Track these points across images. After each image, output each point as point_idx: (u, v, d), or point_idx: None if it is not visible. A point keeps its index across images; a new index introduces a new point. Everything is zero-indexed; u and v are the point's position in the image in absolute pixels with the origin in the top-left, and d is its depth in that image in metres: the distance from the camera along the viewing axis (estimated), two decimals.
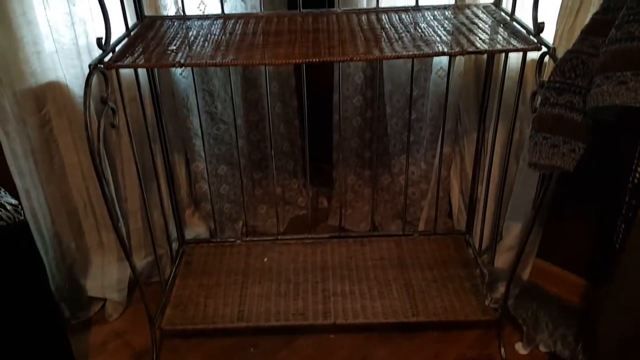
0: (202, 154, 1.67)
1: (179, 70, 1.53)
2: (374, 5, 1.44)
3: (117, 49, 1.18)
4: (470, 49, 1.10)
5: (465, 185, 1.72)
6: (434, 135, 1.67)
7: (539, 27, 1.12)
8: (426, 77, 1.62)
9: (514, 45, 1.12)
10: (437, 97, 1.59)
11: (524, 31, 1.18)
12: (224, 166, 1.79)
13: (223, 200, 1.83)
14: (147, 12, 1.40)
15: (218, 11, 1.42)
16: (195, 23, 1.36)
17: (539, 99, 1.04)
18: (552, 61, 1.08)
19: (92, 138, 1.07)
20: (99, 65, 1.09)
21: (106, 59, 1.12)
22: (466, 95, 1.56)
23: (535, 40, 1.12)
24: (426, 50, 1.11)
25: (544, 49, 1.10)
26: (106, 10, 1.14)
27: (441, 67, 1.54)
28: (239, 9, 1.62)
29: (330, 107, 1.75)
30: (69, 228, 1.52)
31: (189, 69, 1.52)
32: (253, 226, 1.94)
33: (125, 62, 1.12)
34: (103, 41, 1.13)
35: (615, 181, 1.14)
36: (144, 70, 1.42)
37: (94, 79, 1.08)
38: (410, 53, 1.11)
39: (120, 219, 1.52)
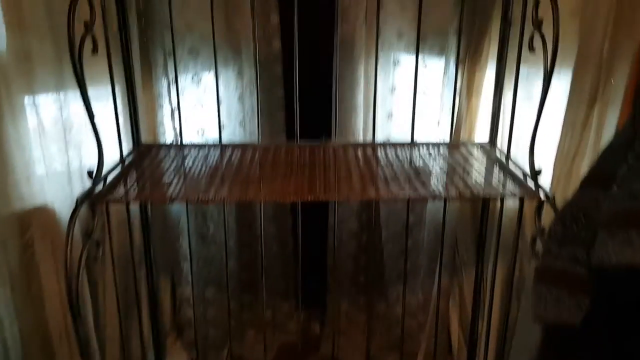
0: (190, 278, 1.60)
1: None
2: (370, 139, 1.46)
3: (109, 178, 1.16)
4: (467, 193, 1.09)
5: (465, 319, 1.64)
6: (432, 265, 1.62)
7: (536, 172, 1.11)
8: (422, 204, 1.60)
9: (511, 191, 1.11)
10: (433, 225, 1.56)
11: (520, 175, 1.18)
12: (211, 288, 1.72)
13: (208, 326, 1.73)
14: (145, 138, 1.41)
15: (217, 136, 1.43)
16: (192, 152, 1.36)
17: (540, 243, 1.01)
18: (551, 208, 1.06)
19: (70, 275, 1.01)
20: (87, 199, 1.06)
21: (96, 191, 1.10)
22: (463, 226, 1.53)
23: (533, 187, 1.11)
24: (422, 192, 1.09)
25: (542, 196, 1.08)
26: (100, 141, 1.13)
27: None
28: (237, 134, 1.65)
29: (326, 227, 1.72)
30: (41, 358, 1.41)
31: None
32: (239, 355, 1.81)
33: (116, 195, 1.09)
34: (94, 172, 1.11)
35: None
36: None
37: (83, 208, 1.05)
38: (407, 195, 1.08)
39: (97, 350, 1.41)
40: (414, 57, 1.52)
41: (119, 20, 1.27)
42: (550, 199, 1.06)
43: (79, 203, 1.04)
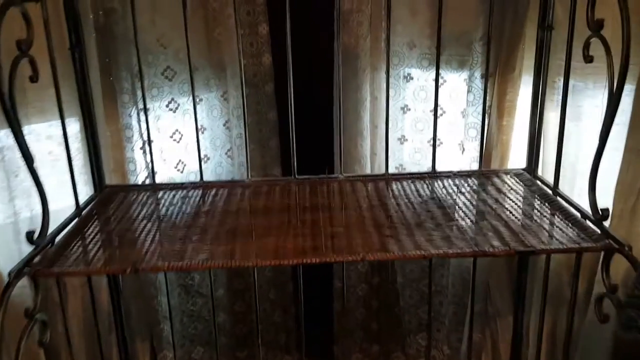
0: (172, 340, 1.35)
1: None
2: (379, 167, 1.22)
3: (62, 234, 0.92)
4: (519, 247, 0.84)
5: None
6: (459, 315, 1.37)
7: (602, 214, 0.87)
8: None
9: (571, 240, 0.86)
10: (459, 270, 1.32)
11: (575, 213, 0.94)
12: (200, 348, 1.47)
13: None
14: (111, 179, 1.17)
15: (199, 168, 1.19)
16: (168, 195, 1.11)
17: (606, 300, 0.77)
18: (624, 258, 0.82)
19: None
20: (24, 268, 0.82)
21: (38, 257, 0.85)
22: (497, 271, 1.29)
23: (598, 229, 0.87)
24: (459, 246, 0.85)
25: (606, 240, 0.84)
26: (43, 192, 0.89)
27: None
28: (224, 165, 1.41)
29: (331, 268, 1.48)
30: None
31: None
32: None
33: (64, 262, 0.84)
34: (36, 234, 0.86)
35: None
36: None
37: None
38: (432, 252, 0.84)
39: None
40: (427, 71, 1.30)
41: (70, 38, 1.03)
42: (625, 247, 0.82)
43: (12, 277, 0.79)
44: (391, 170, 1.22)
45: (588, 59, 0.89)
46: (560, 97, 1.01)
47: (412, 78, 1.33)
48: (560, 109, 0.99)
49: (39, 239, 0.87)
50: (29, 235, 0.85)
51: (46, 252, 0.87)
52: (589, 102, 1.04)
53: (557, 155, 1.01)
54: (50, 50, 0.94)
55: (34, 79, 0.88)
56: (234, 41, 1.22)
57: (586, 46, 0.88)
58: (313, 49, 1.34)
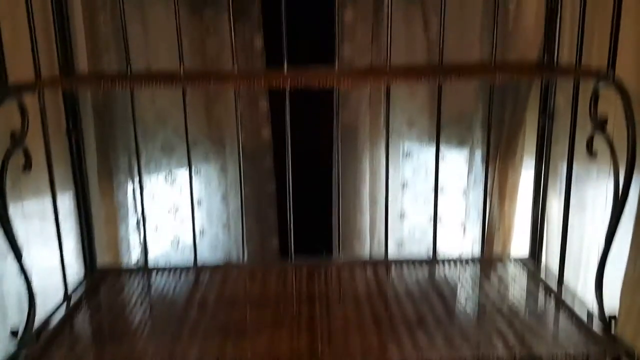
0: None
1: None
2: (378, 244, 1.20)
3: (51, 321, 0.89)
4: (518, 350, 0.80)
5: None
6: None
7: (609, 320, 0.84)
8: None
9: (577, 345, 0.82)
10: None
11: (582, 314, 0.90)
12: None
13: None
14: (104, 259, 1.14)
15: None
16: (161, 279, 1.08)
17: None
18: None
19: None
20: None
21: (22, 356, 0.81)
22: None
23: (605, 334, 0.84)
24: (452, 355, 0.81)
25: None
26: (31, 288, 0.85)
27: None
28: (220, 238, 1.38)
29: None
30: None
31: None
32: None
33: None
34: (20, 330, 0.83)
35: None
36: None
37: None
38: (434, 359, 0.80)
39: None
40: (427, 147, 1.29)
41: (67, 122, 1.02)
42: (635, 356, 0.79)
43: None
44: (391, 246, 1.19)
45: (592, 154, 0.87)
46: (564, 186, 0.99)
47: (411, 155, 1.32)
48: (564, 201, 0.97)
49: (24, 336, 0.83)
50: (14, 332, 0.81)
51: (32, 349, 0.83)
52: (593, 190, 1.02)
53: (561, 249, 0.99)
54: (46, 142, 0.92)
55: (26, 168, 0.86)
56: (233, 115, 1.22)
57: (589, 142, 0.87)
58: (312, 124, 1.34)
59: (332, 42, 1.11)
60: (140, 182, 1.12)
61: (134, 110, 1.08)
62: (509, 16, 1.07)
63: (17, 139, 0.82)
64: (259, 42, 1.32)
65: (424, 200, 1.32)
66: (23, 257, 0.84)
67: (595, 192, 1.02)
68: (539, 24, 1.03)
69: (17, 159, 0.85)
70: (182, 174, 1.29)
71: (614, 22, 0.80)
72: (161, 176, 1.27)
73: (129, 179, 1.18)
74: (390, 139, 1.29)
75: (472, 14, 1.13)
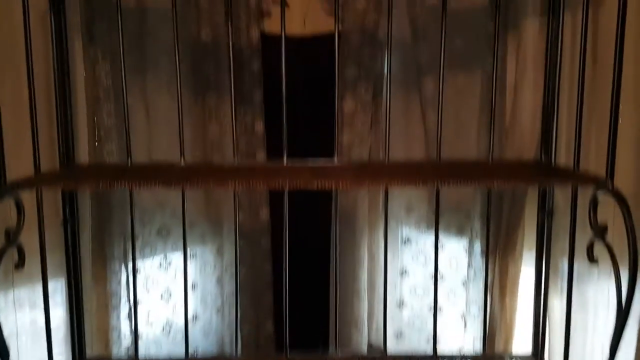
0: None
1: None
2: (376, 329, 1.17)
3: None
4: None
5: None
6: None
7: None
8: None
9: None
10: None
11: None
12: None
13: None
14: (92, 347, 1.11)
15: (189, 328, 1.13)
16: None
17: None
18: None
19: None
20: None
21: None
22: None
23: None
24: None
25: None
26: None
27: None
28: (214, 323, 1.34)
29: None
30: None
31: None
32: None
33: None
34: None
35: None
36: None
37: None
38: None
39: None
40: (426, 234, 1.28)
41: (64, 212, 1.02)
42: None
43: None
44: (390, 336, 1.15)
45: (592, 260, 0.86)
46: (565, 284, 0.97)
47: (410, 241, 1.31)
48: (566, 302, 0.95)
49: None
50: None
51: None
52: (595, 291, 1.00)
53: (564, 350, 0.96)
54: (40, 237, 0.92)
55: (19, 266, 0.85)
56: (231, 197, 1.22)
57: (590, 248, 0.87)
58: (311, 207, 1.34)
59: (331, 130, 1.12)
60: (134, 270, 1.10)
61: (132, 200, 1.08)
62: (506, 113, 1.09)
63: (11, 237, 0.81)
64: (260, 127, 1.34)
65: (424, 289, 1.29)
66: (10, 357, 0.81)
67: (597, 292, 1.00)
68: (536, 123, 1.04)
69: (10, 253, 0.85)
70: (177, 257, 1.27)
71: (612, 133, 0.81)
72: (156, 261, 1.25)
73: (122, 265, 1.16)
74: (388, 225, 1.29)
75: (471, 108, 1.15)
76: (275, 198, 1.36)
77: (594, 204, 0.85)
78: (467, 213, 1.20)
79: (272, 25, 1.40)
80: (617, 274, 0.78)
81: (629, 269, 0.75)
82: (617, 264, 0.79)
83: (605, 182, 0.82)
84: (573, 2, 0.95)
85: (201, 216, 1.32)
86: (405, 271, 1.32)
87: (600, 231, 0.83)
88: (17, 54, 0.92)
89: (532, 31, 1.03)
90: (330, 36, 1.08)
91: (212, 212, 1.33)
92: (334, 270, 1.21)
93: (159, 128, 1.21)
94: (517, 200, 1.09)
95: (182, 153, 1.08)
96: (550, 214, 1.03)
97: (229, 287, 1.34)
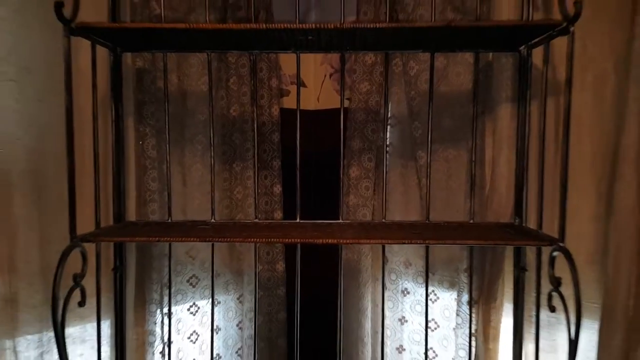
0: None
1: None
2: None
3: None
4: None
5: None
6: None
7: None
8: None
9: None
10: None
11: None
12: None
13: None
14: None
15: None
16: None
17: None
18: None
19: None
20: None
21: None
22: None
23: None
24: None
25: None
26: None
27: None
28: None
29: None
30: None
31: None
32: None
33: None
34: None
35: None
36: None
37: None
38: None
39: None
40: (422, 286, 1.45)
41: (115, 261, 1.23)
42: None
43: None
44: None
45: (552, 310, 1.03)
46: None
47: (408, 292, 1.48)
48: (535, 347, 1.10)
49: None
50: None
51: None
52: (563, 336, 1.15)
53: None
54: (97, 282, 1.12)
55: (82, 304, 1.05)
56: (252, 250, 1.41)
57: (549, 298, 1.03)
58: (321, 259, 1.52)
59: (338, 193, 1.32)
60: (169, 314, 1.29)
61: (170, 253, 1.29)
62: (486, 183, 1.28)
63: (77, 280, 1.02)
64: (278, 189, 1.56)
65: (421, 336, 1.45)
66: None
67: (564, 337, 1.15)
68: (511, 190, 1.23)
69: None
70: (204, 304, 1.46)
71: (562, 203, 1.00)
72: (186, 306, 1.44)
73: (158, 309, 1.35)
74: (389, 277, 1.47)
75: (459, 177, 1.35)
76: (290, 252, 1.56)
77: (551, 261, 1.02)
78: (456, 268, 1.37)
79: (290, 102, 1.65)
80: (568, 320, 0.95)
81: (575, 314, 0.92)
82: (567, 310, 0.96)
83: (558, 244, 0.99)
84: (537, 92, 1.16)
85: (225, 267, 1.51)
86: (405, 319, 1.48)
87: (555, 284, 1.00)
88: (82, 129, 1.15)
89: (505, 115, 1.24)
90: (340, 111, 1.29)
91: (235, 264, 1.53)
92: (339, 318, 1.38)
93: (193, 190, 1.43)
94: (496, 257, 1.27)
95: (213, 213, 1.29)
96: (524, 269, 1.20)
97: (248, 331, 1.52)
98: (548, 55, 1.08)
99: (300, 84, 1.41)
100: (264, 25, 0.99)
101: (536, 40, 1.09)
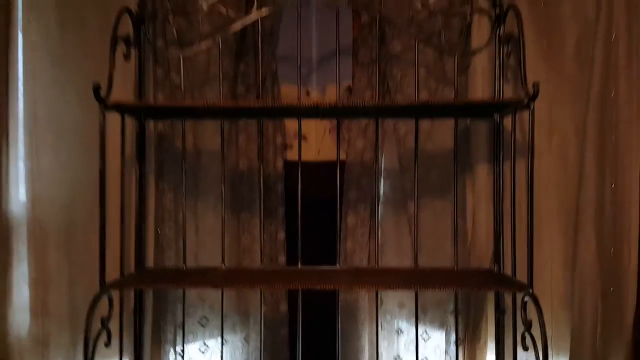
0: None
1: None
2: None
3: None
4: None
5: None
6: None
7: None
8: None
9: None
10: None
11: None
12: None
13: None
14: None
15: None
16: None
17: None
18: None
19: None
20: None
21: None
22: None
23: None
24: None
25: None
26: None
27: None
28: None
29: None
30: None
31: None
32: None
33: None
34: None
35: None
36: None
37: None
38: None
39: None
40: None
41: (135, 305, 1.37)
42: None
43: None
44: None
45: (525, 349, 1.16)
46: None
47: (402, 332, 1.60)
48: None
49: None
50: None
51: None
52: None
53: None
54: (120, 324, 1.26)
55: (108, 345, 1.19)
56: (258, 293, 1.55)
57: (522, 337, 1.17)
58: (321, 301, 1.65)
59: (336, 240, 1.47)
60: (182, 353, 1.42)
61: (184, 297, 1.43)
62: (468, 232, 1.43)
63: (105, 324, 1.16)
64: (281, 236, 1.70)
65: None
66: None
67: None
68: (490, 240, 1.38)
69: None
70: (214, 343, 1.59)
71: (529, 256, 1.14)
72: (196, 345, 1.57)
73: (172, 348, 1.48)
74: (385, 318, 1.59)
75: (445, 226, 1.49)
76: (292, 294, 1.69)
77: (523, 305, 1.16)
78: (445, 309, 1.50)
79: (293, 154, 1.81)
80: (537, 356, 1.08)
81: (542, 353, 1.05)
82: (537, 348, 1.09)
83: (528, 291, 1.13)
84: (509, 154, 1.31)
85: (233, 309, 1.64)
86: (400, 357, 1.60)
87: (527, 325, 1.14)
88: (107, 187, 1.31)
89: (483, 172, 1.39)
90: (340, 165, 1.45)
91: (241, 306, 1.66)
92: (337, 356, 1.50)
93: (204, 237, 1.58)
94: (479, 300, 1.40)
95: (223, 260, 1.44)
96: (503, 312, 1.33)
97: None
98: (514, 124, 1.24)
99: (301, 138, 1.57)
100: (270, 103, 1.16)
101: (505, 110, 1.26)
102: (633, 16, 1.15)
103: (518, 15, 1.19)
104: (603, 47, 1.17)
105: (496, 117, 1.32)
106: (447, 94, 1.46)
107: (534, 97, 1.10)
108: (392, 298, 1.62)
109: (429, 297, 1.52)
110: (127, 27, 1.29)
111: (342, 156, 1.47)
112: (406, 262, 1.55)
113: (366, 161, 1.67)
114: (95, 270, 1.25)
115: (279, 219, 1.72)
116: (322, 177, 1.84)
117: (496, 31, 1.30)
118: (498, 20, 1.30)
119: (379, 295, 1.58)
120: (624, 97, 1.16)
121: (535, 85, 1.08)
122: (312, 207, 1.74)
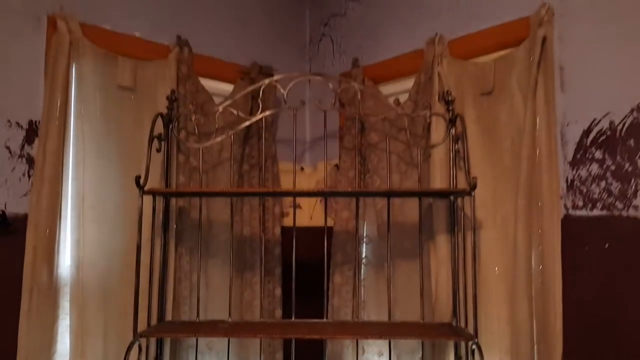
0: None
1: None
2: None
3: None
4: None
5: None
6: None
7: None
8: None
9: None
10: None
11: None
12: None
13: None
14: None
15: None
16: None
17: None
18: None
19: None
20: None
21: None
22: None
23: None
24: None
25: None
26: None
27: None
28: None
29: None
30: None
31: None
32: None
33: None
34: None
35: None
36: None
37: None
38: None
39: None
40: None
41: (156, 353, 1.65)
42: None
43: None
44: None
45: None
46: None
47: None
48: None
49: None
50: None
51: None
52: None
53: None
54: None
55: None
56: (257, 343, 1.83)
57: None
58: (311, 349, 1.93)
59: (324, 296, 1.76)
60: None
61: (197, 346, 1.71)
62: (432, 291, 1.73)
63: None
64: (278, 292, 2.00)
65: None
66: None
67: None
68: (450, 297, 1.68)
69: None
70: None
71: (474, 313, 1.44)
72: None
73: None
74: None
75: (416, 285, 1.79)
76: (287, 343, 1.97)
77: (472, 352, 1.45)
78: (415, 357, 1.78)
79: (289, 221, 2.13)
80: None
81: None
82: None
83: (474, 339, 1.42)
84: (464, 228, 1.63)
85: (235, 356, 1.92)
86: None
87: None
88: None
89: (443, 241, 1.71)
90: (328, 230, 1.76)
91: (242, 353, 1.93)
92: None
93: (213, 293, 1.87)
94: (442, 348, 1.69)
95: (230, 313, 1.72)
96: (460, 358, 1.62)
97: None
98: (463, 206, 1.57)
99: (296, 207, 1.90)
100: (271, 189, 1.49)
101: (457, 194, 1.59)
102: (551, 124, 1.50)
103: (462, 121, 1.54)
104: (529, 145, 1.51)
105: (451, 198, 1.65)
106: (415, 175, 1.79)
107: (473, 187, 1.43)
108: (372, 347, 1.90)
109: (403, 346, 1.80)
110: (158, 127, 1.63)
111: (330, 223, 1.78)
112: (384, 315, 1.84)
113: (350, 229, 1.99)
114: (124, 323, 1.54)
115: (276, 277, 2.02)
116: (313, 241, 2.15)
117: (450, 131, 1.65)
118: (451, 122, 1.65)
119: (359, 344, 1.86)
120: (546, 185, 1.48)
121: (474, 179, 1.42)
122: (304, 267, 2.05)
